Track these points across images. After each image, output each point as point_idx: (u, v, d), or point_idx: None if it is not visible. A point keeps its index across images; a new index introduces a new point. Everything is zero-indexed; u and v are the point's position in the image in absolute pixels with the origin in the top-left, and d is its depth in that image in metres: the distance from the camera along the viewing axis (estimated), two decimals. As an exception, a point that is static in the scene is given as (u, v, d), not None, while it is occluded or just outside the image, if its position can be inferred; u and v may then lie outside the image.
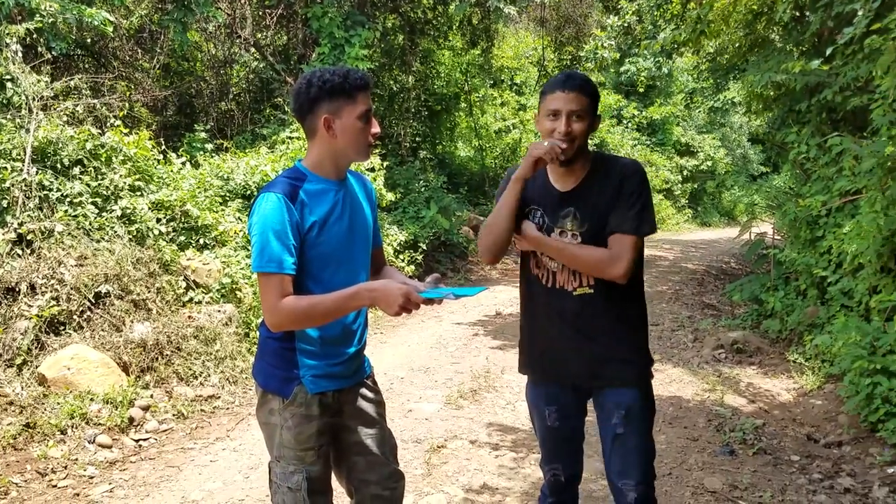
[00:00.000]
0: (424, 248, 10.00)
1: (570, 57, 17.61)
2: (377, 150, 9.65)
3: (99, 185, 6.07)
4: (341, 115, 2.10)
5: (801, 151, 7.00)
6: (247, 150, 9.00)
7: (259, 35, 11.76)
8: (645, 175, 2.36)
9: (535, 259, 2.44)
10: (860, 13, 5.42)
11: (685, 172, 21.63)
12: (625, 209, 2.27)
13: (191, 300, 6.05)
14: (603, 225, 2.29)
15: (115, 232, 5.86)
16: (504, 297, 9.61)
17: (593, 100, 2.30)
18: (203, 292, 6.16)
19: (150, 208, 6.31)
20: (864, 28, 5.22)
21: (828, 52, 6.05)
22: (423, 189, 11.38)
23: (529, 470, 4.09)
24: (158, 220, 6.38)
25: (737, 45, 10.44)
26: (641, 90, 20.79)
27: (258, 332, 2.30)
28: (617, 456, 2.39)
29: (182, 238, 6.61)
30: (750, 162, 24.47)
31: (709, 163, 22.13)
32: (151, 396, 4.91)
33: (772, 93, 8.41)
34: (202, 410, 5.01)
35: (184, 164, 7.56)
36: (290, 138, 8.99)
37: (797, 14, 7.70)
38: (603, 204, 2.30)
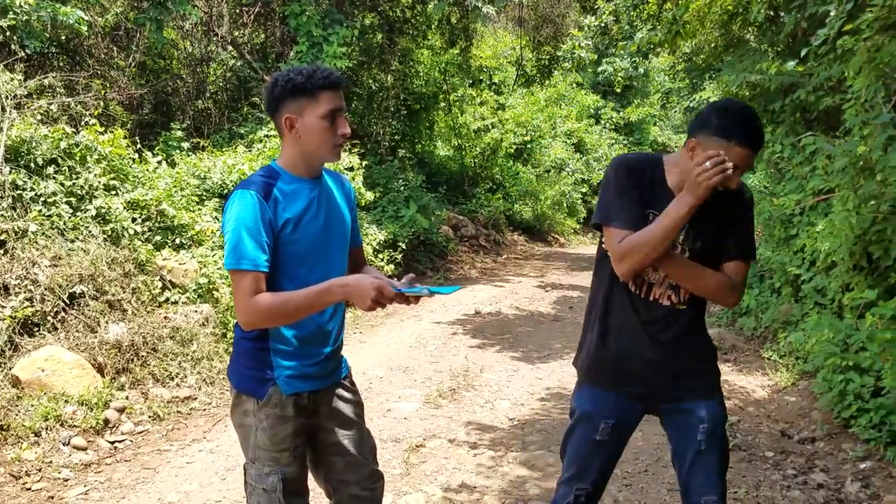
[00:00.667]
0: (404, 247, 10.00)
1: (548, 57, 17.68)
2: (356, 150, 9.62)
3: (73, 184, 5.99)
4: (304, 114, 2.09)
5: (776, 151, 7.10)
6: (224, 149, 8.94)
7: (236, 33, 11.68)
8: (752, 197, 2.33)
9: None
10: (833, 14, 5.50)
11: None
12: (745, 236, 2.23)
13: (167, 300, 6.00)
14: (713, 246, 2.22)
15: (90, 232, 5.79)
16: (483, 296, 9.64)
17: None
18: (179, 292, 6.11)
19: (125, 208, 6.25)
20: (836, 29, 5.30)
21: (802, 52, 6.14)
22: (402, 188, 11.37)
23: (508, 468, 4.12)
24: (134, 220, 6.32)
25: (712, 45, 10.55)
26: (619, 90, 20.94)
27: (233, 332, 2.29)
28: (699, 472, 2.28)
29: (158, 238, 6.55)
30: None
31: (684, 162, 22.39)
32: (127, 398, 4.87)
33: (747, 93, 8.50)
34: (178, 412, 4.97)
35: (160, 162, 7.49)
36: (268, 137, 8.94)
37: (772, 15, 7.80)
38: (718, 226, 2.21)
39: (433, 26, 13.86)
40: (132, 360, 5.14)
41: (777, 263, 6.62)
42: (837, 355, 4.46)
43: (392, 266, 9.32)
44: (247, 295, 2.02)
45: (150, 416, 4.79)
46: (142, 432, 4.62)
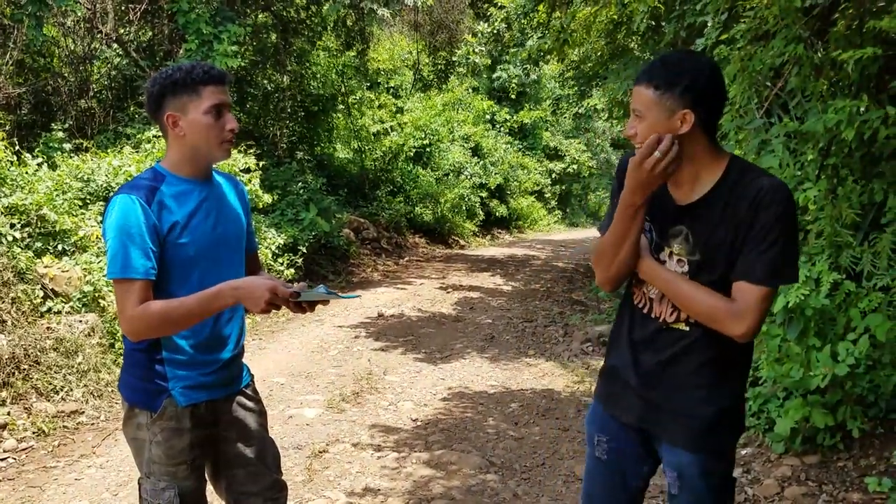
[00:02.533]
0: (304, 250, 9.86)
1: (444, 62, 17.89)
2: (252, 151, 9.41)
3: (-58, 188, 5.59)
4: (187, 110, 2.03)
5: (659, 156, 7.47)
6: (109, 150, 8.53)
7: (122, 30, 11.18)
8: (792, 202, 1.75)
9: (635, 276, 1.98)
10: (710, 25, 5.85)
11: (554, 175, 22.51)
12: (758, 249, 1.74)
13: (49, 310, 5.68)
14: (716, 260, 1.81)
15: (-38, 239, 5.41)
16: (386, 299, 9.64)
17: (668, 90, 1.73)
18: (63, 301, 5.80)
19: (2, 213, 5.87)
20: (713, 39, 5.64)
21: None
22: (301, 191, 11.20)
23: (412, 469, 4.15)
24: (12, 226, 5.95)
25: (598, 53, 10.99)
26: (513, 96, 21.43)
27: (123, 344, 2.21)
28: None
29: (39, 244, 6.19)
30: (613, 166, 25.79)
31: (574, 166, 23.15)
32: (9, 414, 4.57)
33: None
34: (65, 427, 4.72)
35: (40, 165, 7.08)
36: (157, 137, 8.59)
37: (653, 24, 8.20)
38: (723, 234, 1.79)
39: (329, 28, 13.74)
40: (13, 373, 4.83)
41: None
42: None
43: (292, 270, 9.17)
44: (130, 304, 1.94)
45: (34, 432, 4.52)
46: (25, 449, 4.36)
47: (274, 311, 1.99)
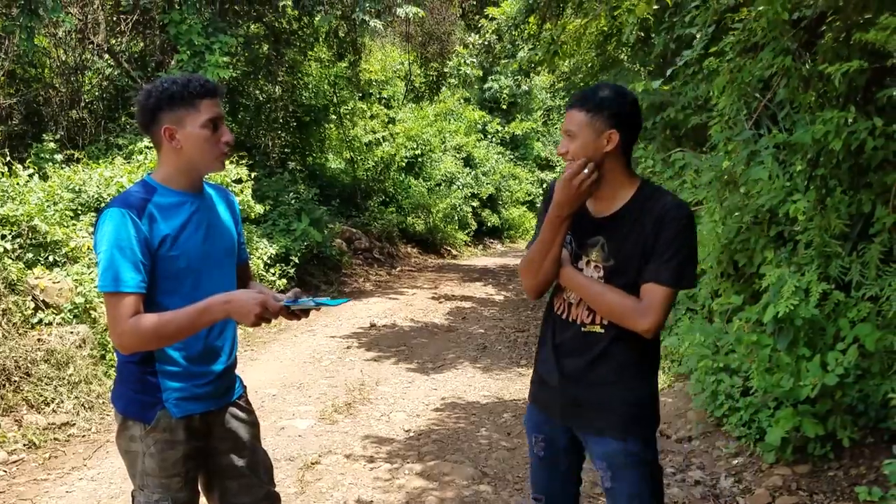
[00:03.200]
0: (296, 261, 9.85)
1: (435, 73, 17.94)
2: (244, 162, 9.41)
3: (-67, 199, 5.57)
4: (184, 124, 2.04)
5: (648, 165, 7.50)
6: (100, 161, 8.52)
7: (113, 41, 11.17)
8: (692, 220, 2.08)
9: (556, 286, 2.24)
10: (698, 37, 5.91)
11: (545, 185, 22.58)
12: (663, 258, 2.01)
13: (40, 322, 5.65)
14: (627, 266, 2.06)
15: (-48, 250, 5.39)
16: (378, 309, 9.64)
17: (597, 114, 2.02)
18: (54, 313, 5.77)
19: (-8, 224, 5.86)
20: (701, 51, 5.69)
21: (668, 73, 6.54)
22: (293, 201, 11.20)
23: (404, 480, 4.14)
24: (3, 237, 5.93)
25: (589, 65, 11.06)
26: (504, 107, 21.52)
27: (115, 356, 2.20)
28: None
29: (30, 255, 6.17)
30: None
31: (566, 176, 23.28)
32: (-2, 426, 4.55)
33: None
34: (56, 439, 4.70)
35: (31, 176, 7.06)
36: (149, 148, 8.58)
37: (642, 36, 8.27)
38: (633, 242, 2.05)
39: (321, 39, 13.78)
40: (4, 385, 4.81)
41: (653, 272, 6.98)
42: (709, 358, 4.76)
43: (284, 280, 9.16)
44: (120, 318, 1.95)
45: (24, 445, 4.50)
46: (16, 461, 4.34)
47: (265, 323, 1.99)
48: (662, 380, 5.91)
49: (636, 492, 2.13)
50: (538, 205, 19.97)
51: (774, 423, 4.02)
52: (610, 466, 2.13)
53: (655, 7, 6.21)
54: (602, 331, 2.11)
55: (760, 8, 4.12)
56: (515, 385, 6.10)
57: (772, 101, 4.78)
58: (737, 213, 4.65)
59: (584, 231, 2.15)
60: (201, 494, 2.28)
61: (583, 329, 2.14)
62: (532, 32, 10.28)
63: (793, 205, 4.02)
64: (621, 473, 2.12)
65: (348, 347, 7.48)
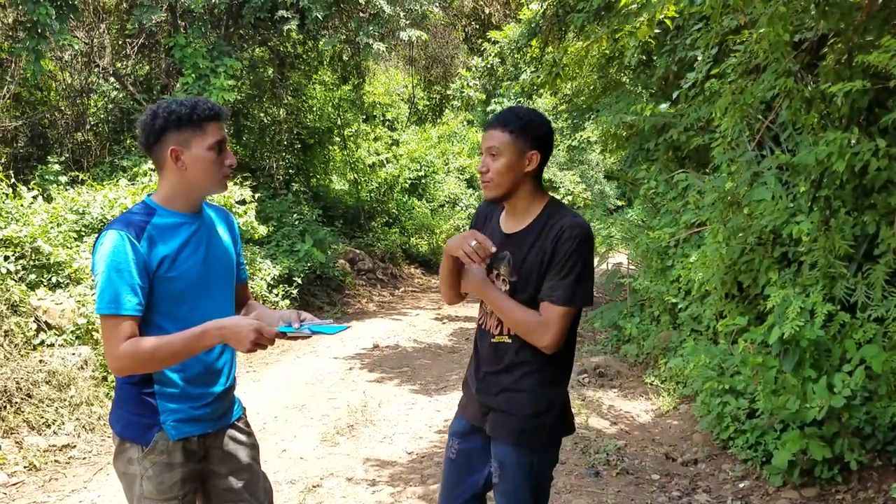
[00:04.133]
0: (300, 281, 9.84)
1: (438, 95, 18.03)
2: (248, 183, 9.44)
3: (-63, 220, 5.59)
4: (190, 146, 2.05)
5: (651, 187, 7.53)
6: (105, 183, 8.56)
7: (119, 64, 11.28)
8: (588, 238, 2.16)
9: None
10: (700, 59, 5.94)
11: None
12: (559, 275, 2.13)
13: (42, 343, 5.65)
14: (528, 281, 2.19)
15: (-44, 271, 5.40)
16: (381, 330, 9.61)
17: (521, 135, 2.15)
18: (56, 334, 5.77)
19: (-4, 245, 5.87)
20: (704, 73, 5.72)
21: (673, 95, 6.57)
22: (297, 222, 11.23)
23: (407, 503, 4.10)
24: (6, 258, 5.94)
25: (591, 87, 11.12)
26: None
27: (115, 377, 2.19)
28: None
29: (32, 276, 6.18)
30: (607, 196, 25.91)
31: (569, 197, 23.26)
32: (0, 448, 4.53)
33: (624, 132, 9.00)
34: (56, 461, 4.66)
35: (35, 197, 7.08)
36: (153, 170, 8.61)
37: (645, 59, 8.32)
38: (533, 258, 2.19)
39: (325, 62, 13.89)
40: (5, 406, 4.79)
41: (655, 293, 6.97)
42: (714, 379, 4.73)
43: (287, 301, 9.14)
44: (115, 340, 1.95)
45: (25, 467, 4.47)
46: (16, 484, 4.30)
47: (260, 350, 1.99)
48: (668, 402, 5.87)
49: (520, 498, 2.26)
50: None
51: (781, 446, 3.98)
52: (501, 466, 2.28)
53: (657, 30, 6.25)
54: (509, 341, 2.26)
55: (762, 30, 4.14)
56: (519, 407, 6.06)
57: (774, 123, 4.79)
58: (740, 234, 4.65)
59: (497, 246, 2.24)
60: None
61: (492, 339, 2.30)
62: (534, 55, 10.35)
63: (796, 226, 4.02)
64: (509, 474, 2.26)
65: (351, 369, 7.44)
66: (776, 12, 3.93)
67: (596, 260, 11.78)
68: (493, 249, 2.16)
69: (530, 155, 2.18)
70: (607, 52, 8.84)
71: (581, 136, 14.75)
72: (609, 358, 7.40)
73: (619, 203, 25.18)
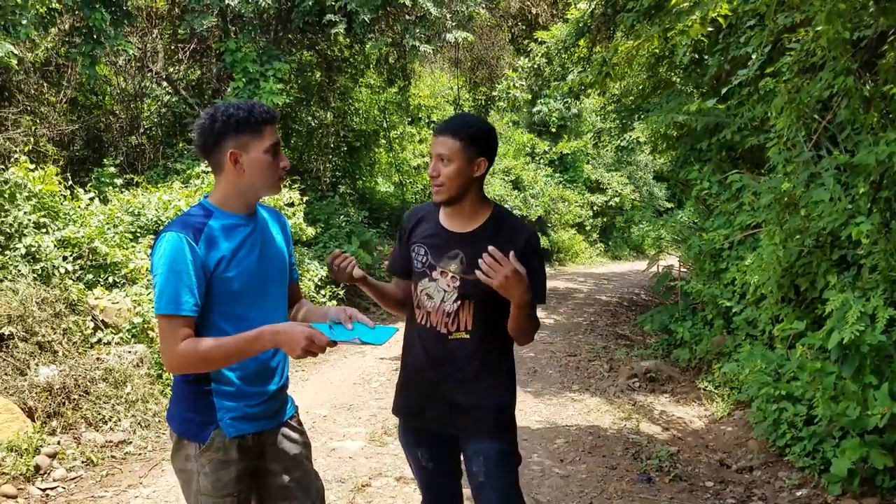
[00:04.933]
0: (346, 282, 9.93)
1: (484, 97, 18.03)
2: (296, 186, 9.58)
3: (2, 222, 5.79)
4: (249, 149, 2.07)
5: (704, 188, 7.39)
6: (158, 185, 8.77)
7: (171, 69, 11.56)
8: (539, 242, 2.40)
9: (416, 296, 2.43)
10: (754, 57, 5.82)
11: (595, 208, 22.38)
12: (533, 280, 2.23)
13: (99, 341, 5.80)
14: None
15: (19, 271, 5.58)
16: (424, 332, 9.62)
17: (470, 142, 2.26)
18: (112, 332, 5.92)
19: (55, 246, 6.06)
20: (757, 71, 5.60)
21: (723, 91, 6.45)
22: (343, 224, 11.34)
23: (455, 504, 4.09)
24: (65, 258, 6.13)
25: (640, 87, 10.98)
26: (553, 130, 21.46)
27: (172, 375, 2.23)
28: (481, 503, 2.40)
29: (90, 276, 6.36)
30: (656, 198, 25.53)
31: (616, 199, 22.99)
32: (58, 443, 4.66)
33: (674, 133, 8.86)
34: (113, 457, 4.78)
35: (92, 199, 7.30)
36: (206, 172, 8.81)
37: (696, 57, 8.19)
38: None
39: (371, 65, 14.00)
40: (63, 403, 4.93)
41: (708, 296, 6.85)
42: (770, 385, 4.63)
43: (335, 302, 9.24)
44: (172, 340, 1.99)
45: (82, 462, 4.59)
46: (74, 478, 4.42)
47: (311, 357, 2.01)
48: (722, 407, 5.76)
49: (507, 483, 2.37)
50: (587, 227, 19.62)
51: (840, 454, 3.87)
52: (486, 461, 2.34)
53: (709, 28, 6.14)
54: (468, 337, 2.33)
55: (819, 28, 4.03)
56: (568, 410, 6.01)
57: (832, 122, 4.66)
58: (797, 237, 4.54)
59: (442, 244, 2.37)
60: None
61: (450, 337, 2.34)
62: (582, 55, 10.27)
63: (856, 227, 3.90)
64: (493, 470, 2.34)
65: (396, 369, 7.45)
66: (834, 9, 3.83)
67: (645, 262, 11.65)
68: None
69: (479, 161, 2.29)
70: (657, 50, 8.72)
71: (629, 136, 14.57)
72: (660, 362, 7.29)
73: (669, 205, 24.80)
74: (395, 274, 2.58)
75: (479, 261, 2.13)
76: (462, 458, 2.47)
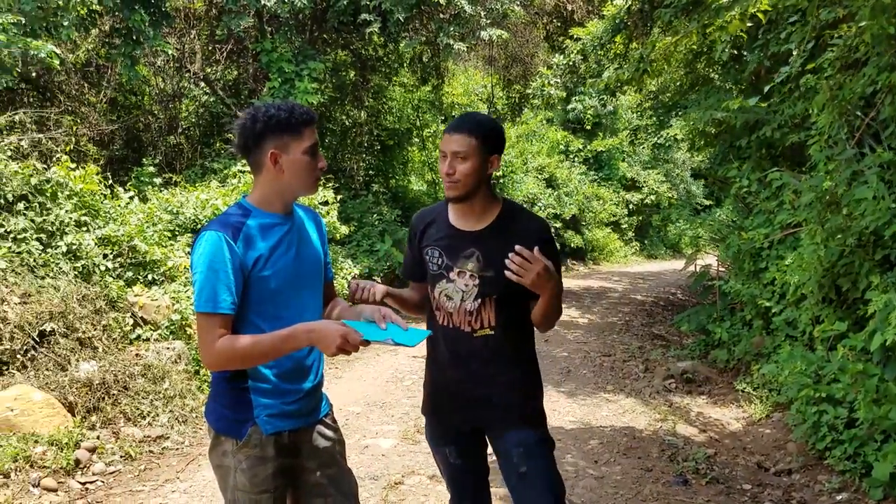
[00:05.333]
0: (379, 280, 9.99)
1: (517, 95, 17.95)
2: (331, 185, 9.65)
3: (44, 220, 5.93)
4: (288, 150, 2.10)
5: (743, 186, 7.26)
6: (197, 184, 8.90)
7: (209, 69, 11.71)
8: (551, 230, 2.46)
9: (434, 298, 2.46)
10: (795, 53, 5.70)
11: (631, 206, 22.13)
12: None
13: (138, 337, 5.92)
14: (502, 275, 2.24)
15: (60, 268, 5.71)
16: (457, 331, 9.62)
17: (484, 141, 2.30)
18: (151, 329, 6.03)
19: (96, 244, 6.18)
20: (798, 68, 5.49)
21: (765, 90, 6.32)
22: (377, 222, 11.40)
23: (488, 504, 4.08)
24: (105, 256, 6.25)
25: (678, 83, 10.83)
26: (588, 127, 21.29)
27: (210, 372, 2.27)
28: (523, 494, 2.40)
29: (129, 274, 6.48)
30: (693, 196, 25.18)
31: (653, 197, 22.70)
32: (98, 437, 4.76)
33: (713, 130, 8.72)
34: (151, 451, 4.87)
35: (131, 198, 7.44)
36: (242, 172, 8.92)
37: (735, 53, 8.05)
38: (506, 254, 2.23)
39: (405, 64, 14.03)
40: (103, 398, 5.03)
41: (747, 296, 6.73)
42: (810, 387, 4.53)
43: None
44: (210, 337, 2.03)
45: (121, 456, 4.68)
46: (113, 473, 4.51)
47: (344, 355, 2.02)
48: (760, 409, 5.66)
49: (548, 466, 2.40)
50: (623, 225, 19.39)
51: (882, 458, 3.79)
52: (525, 451, 2.37)
53: (749, 24, 6.03)
54: (493, 332, 2.37)
55: (863, 23, 3.94)
56: (602, 411, 5.95)
57: (875, 119, 4.55)
58: (839, 236, 4.43)
59: (456, 244, 2.39)
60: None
61: (474, 335, 2.37)
62: (618, 52, 10.16)
63: (902, 227, 3.80)
64: (535, 455, 2.38)
65: (430, 368, 7.48)
66: (878, 4, 3.74)
67: (682, 262, 11.49)
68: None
69: (492, 159, 2.33)
70: (695, 47, 8.58)
71: (667, 133, 14.38)
72: (697, 363, 7.19)
73: (707, 202, 24.43)
74: (411, 278, 2.60)
75: (507, 261, 2.15)
76: (495, 452, 2.47)
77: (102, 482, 4.39)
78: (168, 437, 5.05)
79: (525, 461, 2.37)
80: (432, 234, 2.46)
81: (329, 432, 2.34)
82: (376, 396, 6.37)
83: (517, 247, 2.14)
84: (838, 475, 4.26)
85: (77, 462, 4.41)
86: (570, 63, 11.92)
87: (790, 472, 4.51)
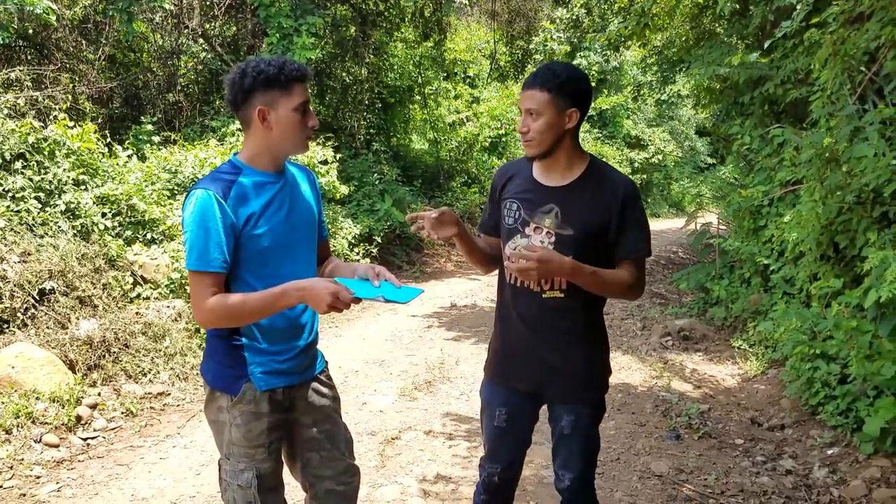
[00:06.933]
0: (379, 241, 9.99)
1: (521, 51, 17.71)
2: (330, 143, 9.58)
3: (42, 179, 5.92)
4: (277, 106, 2.06)
5: (745, 143, 7.20)
6: (195, 143, 8.85)
7: (207, 25, 11.55)
8: (638, 191, 2.31)
9: (506, 254, 2.37)
10: (798, 7, 5.59)
11: (635, 165, 21.99)
12: (637, 234, 2.24)
13: (138, 296, 5.95)
14: (591, 235, 2.22)
15: (59, 227, 5.73)
16: (459, 289, 9.67)
17: (560, 94, 2.16)
18: (151, 288, 6.06)
19: (94, 202, 6.18)
20: (801, 22, 5.38)
21: (766, 45, 6.22)
22: (377, 182, 11.35)
23: (483, 458, 4.14)
24: (104, 215, 6.26)
25: (683, 38, 10.66)
26: (593, 84, 21.03)
27: (204, 330, 2.28)
28: (561, 452, 2.42)
29: (129, 233, 6.49)
30: (698, 154, 25.00)
31: (659, 156, 22.53)
32: (99, 394, 4.82)
33: (717, 85, 8.61)
34: (151, 408, 4.94)
35: (130, 157, 7.41)
36: (240, 130, 8.83)
37: (740, 7, 7.90)
38: (593, 215, 2.22)
39: (406, 19, 13.81)
40: (104, 356, 5.09)
41: (746, 254, 6.72)
42: (805, 344, 4.55)
43: (367, 259, 9.31)
44: (202, 295, 2.02)
45: (122, 413, 4.75)
46: (114, 429, 4.59)
47: (335, 312, 2.02)
48: (755, 366, 5.70)
49: (593, 436, 2.41)
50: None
51: (874, 413, 3.83)
52: (577, 419, 2.35)
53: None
54: (563, 295, 2.26)
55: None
56: (598, 368, 6.00)
57: (878, 75, 4.48)
58: (838, 193, 4.40)
59: (535, 198, 2.29)
60: (284, 465, 2.35)
61: (543, 296, 2.28)
62: (622, 6, 9.98)
63: (901, 184, 3.77)
64: (583, 425, 2.36)
65: (429, 327, 7.54)
66: (885, -46, 3.64)
67: (684, 220, 11.46)
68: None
69: (569, 112, 2.19)
70: (700, 0, 8.42)
71: (671, 89, 14.19)
72: (695, 321, 7.22)
73: (711, 161, 24.24)
74: (485, 232, 2.52)
75: (507, 262, 2.11)
76: (548, 409, 2.46)
77: (104, 438, 4.46)
78: (169, 394, 5.12)
79: (573, 428, 2.36)
80: (513, 187, 2.37)
81: (324, 389, 2.36)
82: (375, 354, 6.42)
83: (508, 251, 2.09)
84: (830, 430, 4.30)
85: (78, 418, 4.48)
86: (574, 17, 11.72)
87: (783, 427, 4.56)
